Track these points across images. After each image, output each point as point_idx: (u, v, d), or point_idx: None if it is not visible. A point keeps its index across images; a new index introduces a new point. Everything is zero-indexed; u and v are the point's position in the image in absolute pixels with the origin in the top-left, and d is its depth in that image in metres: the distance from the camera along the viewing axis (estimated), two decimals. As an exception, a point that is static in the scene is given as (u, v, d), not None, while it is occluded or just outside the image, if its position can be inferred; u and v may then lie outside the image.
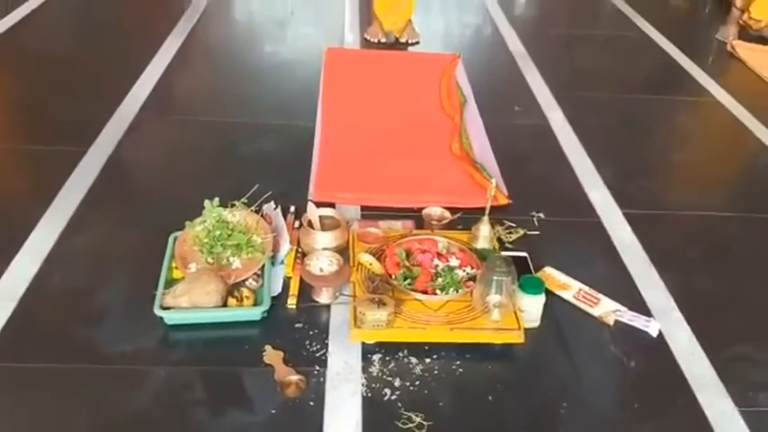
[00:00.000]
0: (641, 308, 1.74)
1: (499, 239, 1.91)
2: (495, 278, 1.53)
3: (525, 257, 1.83)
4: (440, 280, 1.64)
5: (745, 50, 3.44)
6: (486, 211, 1.80)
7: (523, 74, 3.05)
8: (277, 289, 1.70)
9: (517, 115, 2.70)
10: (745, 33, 3.66)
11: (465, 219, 1.93)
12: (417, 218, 1.95)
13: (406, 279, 1.64)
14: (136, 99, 2.62)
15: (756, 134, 2.67)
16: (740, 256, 2.00)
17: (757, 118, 2.78)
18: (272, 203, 1.94)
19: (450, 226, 1.92)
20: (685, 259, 1.95)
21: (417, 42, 3.31)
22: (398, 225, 1.91)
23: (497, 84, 3.04)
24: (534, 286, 1.61)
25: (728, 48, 3.50)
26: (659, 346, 1.64)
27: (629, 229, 2.03)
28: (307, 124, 2.48)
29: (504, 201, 2.08)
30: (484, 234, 1.79)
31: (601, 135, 2.58)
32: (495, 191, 2.06)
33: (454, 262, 1.70)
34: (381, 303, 1.53)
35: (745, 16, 3.65)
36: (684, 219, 2.13)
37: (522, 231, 1.97)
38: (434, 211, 1.93)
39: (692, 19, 4.08)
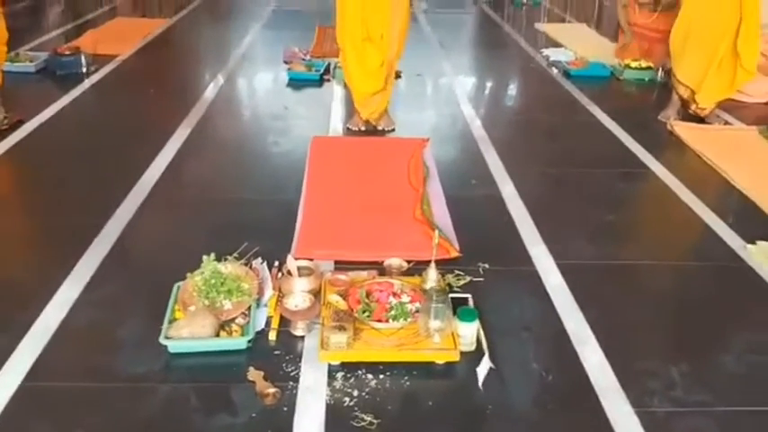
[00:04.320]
0: (563, 336, 2.10)
1: (449, 284, 2.30)
2: (433, 305, 1.91)
3: (467, 298, 2.20)
4: (392, 312, 2.02)
5: (683, 129, 3.92)
6: (433, 258, 2.19)
7: (483, 154, 3.51)
8: (261, 325, 2.08)
9: (474, 188, 3.14)
10: (685, 114, 4.14)
11: (420, 269, 2.31)
12: (381, 269, 2.35)
13: (364, 312, 2.02)
14: (150, 179, 3.07)
15: (682, 198, 3.08)
16: (650, 294, 2.38)
17: (685, 185, 3.19)
18: (260, 259, 2.35)
19: (408, 274, 2.31)
20: (604, 298, 2.32)
21: (393, 129, 3.81)
22: (364, 274, 2.30)
23: (460, 163, 3.50)
24: (468, 315, 1.99)
25: (668, 127, 3.98)
26: (575, 363, 1.99)
27: (559, 275, 2.42)
28: (293, 198, 2.91)
29: (455, 254, 2.47)
30: (431, 277, 2.17)
31: (545, 202, 3.00)
32: (449, 246, 2.49)
33: (406, 299, 2.09)
34: (342, 329, 1.91)
35: (694, 107, 4.09)
36: (607, 267, 2.52)
37: (468, 278, 2.36)
38: (394, 261, 2.34)
39: (642, 105, 4.57)
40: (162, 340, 1.94)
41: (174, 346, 1.95)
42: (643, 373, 1.97)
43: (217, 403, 1.80)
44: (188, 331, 1.96)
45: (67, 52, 4.69)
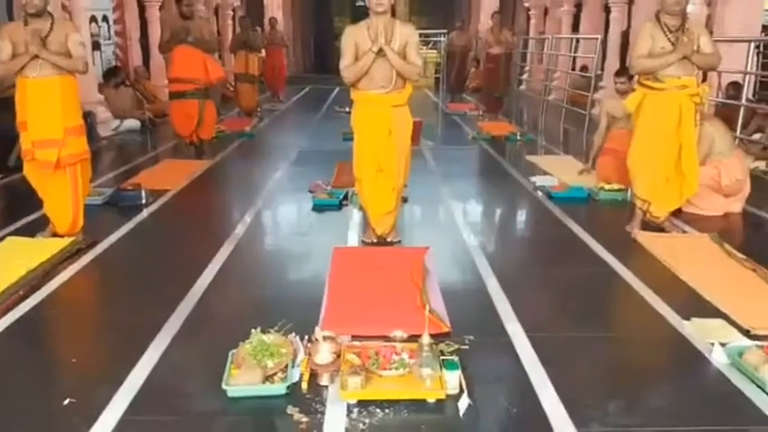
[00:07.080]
0: (527, 384, 2.74)
1: (441, 351, 2.95)
2: (424, 355, 2.57)
3: (454, 359, 2.85)
4: (395, 364, 2.69)
5: (644, 237, 4.65)
6: (426, 328, 2.86)
7: (474, 259, 4.24)
8: (296, 378, 2.73)
9: (466, 282, 3.87)
10: (650, 225, 4.89)
11: (418, 338, 2.98)
12: (387, 339, 3.02)
13: (374, 364, 2.69)
14: (201, 285, 3.80)
15: (635, 288, 3.75)
16: (602, 357, 3.02)
17: (639, 279, 3.87)
18: (293, 333, 3.04)
19: (407, 342, 2.98)
20: (563, 359, 2.96)
21: (399, 241, 4.58)
22: (373, 343, 2.97)
23: (455, 265, 4.22)
24: (452, 365, 2.64)
25: (632, 236, 4.72)
26: (534, 402, 2.61)
27: (528, 343, 3.07)
28: (318, 293, 3.63)
29: (446, 329, 3.15)
30: (425, 342, 2.84)
31: (522, 293, 3.68)
32: (441, 323, 3.17)
33: (405, 355, 2.75)
34: (356, 374, 2.57)
35: (649, 216, 4.88)
36: (568, 338, 3.17)
37: (456, 346, 3.01)
38: (397, 333, 3.01)
39: (612, 220, 5.31)
40: (224, 386, 2.61)
41: (232, 391, 2.61)
42: (587, 407, 2.58)
43: (265, 428, 2.44)
44: (243, 380, 2.63)
45: (129, 188, 5.64)
